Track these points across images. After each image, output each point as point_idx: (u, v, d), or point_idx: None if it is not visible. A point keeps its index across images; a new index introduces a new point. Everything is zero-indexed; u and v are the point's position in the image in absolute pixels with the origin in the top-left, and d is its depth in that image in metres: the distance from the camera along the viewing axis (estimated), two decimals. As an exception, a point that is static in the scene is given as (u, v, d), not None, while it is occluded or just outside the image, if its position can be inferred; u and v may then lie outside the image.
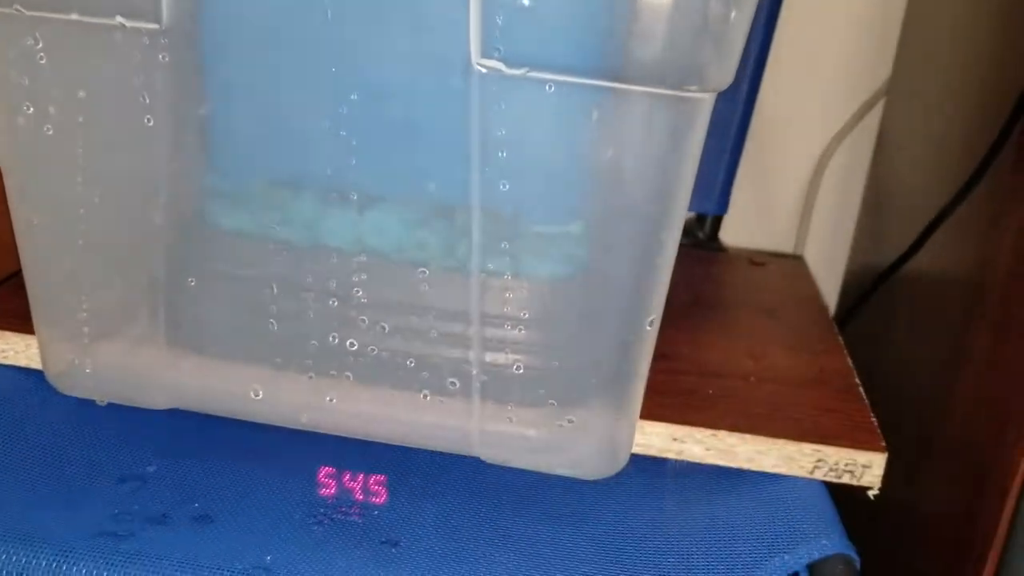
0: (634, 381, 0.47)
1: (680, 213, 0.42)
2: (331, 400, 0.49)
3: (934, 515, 0.66)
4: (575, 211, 0.44)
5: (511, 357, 0.47)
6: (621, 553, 0.50)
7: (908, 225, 0.74)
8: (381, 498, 0.52)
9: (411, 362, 0.48)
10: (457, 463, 0.55)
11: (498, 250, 0.46)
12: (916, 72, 0.86)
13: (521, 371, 0.47)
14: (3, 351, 0.59)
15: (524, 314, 0.47)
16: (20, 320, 0.57)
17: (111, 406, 0.58)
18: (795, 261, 0.83)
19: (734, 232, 0.97)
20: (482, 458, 0.50)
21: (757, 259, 0.80)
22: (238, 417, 0.52)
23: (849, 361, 0.63)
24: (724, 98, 0.85)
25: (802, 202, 0.99)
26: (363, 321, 0.47)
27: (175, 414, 0.58)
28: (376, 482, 0.53)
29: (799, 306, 0.73)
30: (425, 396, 0.48)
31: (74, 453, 0.55)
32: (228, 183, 0.50)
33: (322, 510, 0.52)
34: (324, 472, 0.55)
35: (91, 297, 0.50)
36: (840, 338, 0.67)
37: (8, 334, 0.58)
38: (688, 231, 0.87)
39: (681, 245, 0.85)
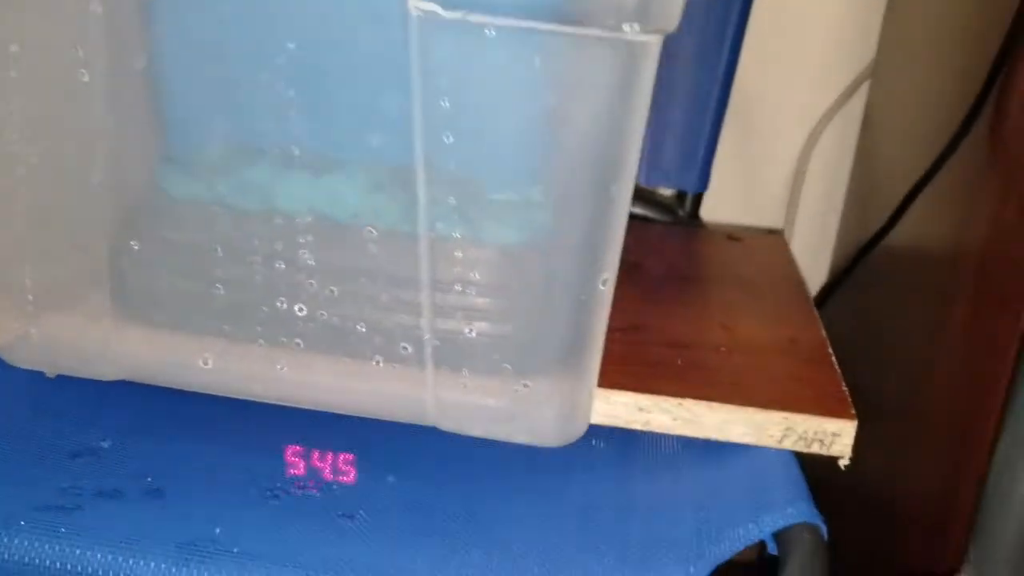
0: (590, 344, 0.46)
1: (631, 165, 0.40)
2: (282, 368, 0.48)
3: (913, 489, 0.65)
4: (521, 166, 0.43)
5: (464, 323, 0.46)
6: (585, 525, 0.49)
7: (893, 202, 0.73)
8: (344, 476, 0.51)
9: (362, 327, 0.46)
10: (420, 437, 0.54)
11: (448, 213, 0.44)
12: (900, 54, 0.85)
13: (474, 336, 0.46)
14: (-45, 327, 0.57)
15: (475, 278, 0.46)
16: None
17: (67, 383, 0.57)
18: (774, 236, 0.81)
19: (721, 215, 0.96)
20: (438, 427, 0.49)
21: (735, 234, 0.79)
22: (189, 388, 0.51)
23: (823, 332, 0.62)
24: (702, 72, 0.84)
25: (790, 185, 0.98)
26: (311, 285, 0.46)
27: (133, 390, 0.57)
28: (334, 457, 0.52)
29: (775, 280, 0.71)
30: (378, 363, 0.47)
31: (26, 429, 0.54)
32: (175, 147, 0.49)
33: (278, 484, 0.51)
34: (281, 447, 0.54)
35: (35, 266, 0.49)
36: (815, 310, 0.65)
37: (-39, 311, 0.57)
38: (668, 209, 0.86)
39: (661, 223, 0.85)
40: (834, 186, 0.97)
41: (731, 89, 0.85)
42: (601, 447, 0.56)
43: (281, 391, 0.49)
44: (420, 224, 0.44)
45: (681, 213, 0.86)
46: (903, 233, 0.72)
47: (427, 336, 0.45)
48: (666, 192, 0.88)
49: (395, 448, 0.54)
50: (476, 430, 0.48)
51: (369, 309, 0.46)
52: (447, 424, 0.48)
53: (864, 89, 0.94)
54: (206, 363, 0.49)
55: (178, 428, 0.56)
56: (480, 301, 0.46)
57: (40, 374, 0.56)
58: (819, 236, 0.97)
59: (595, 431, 0.54)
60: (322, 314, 0.46)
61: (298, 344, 0.47)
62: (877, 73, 0.91)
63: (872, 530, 0.69)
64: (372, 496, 0.50)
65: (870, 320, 0.78)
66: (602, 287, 0.43)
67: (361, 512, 0.49)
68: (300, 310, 0.46)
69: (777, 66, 0.94)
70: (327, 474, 0.51)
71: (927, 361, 0.65)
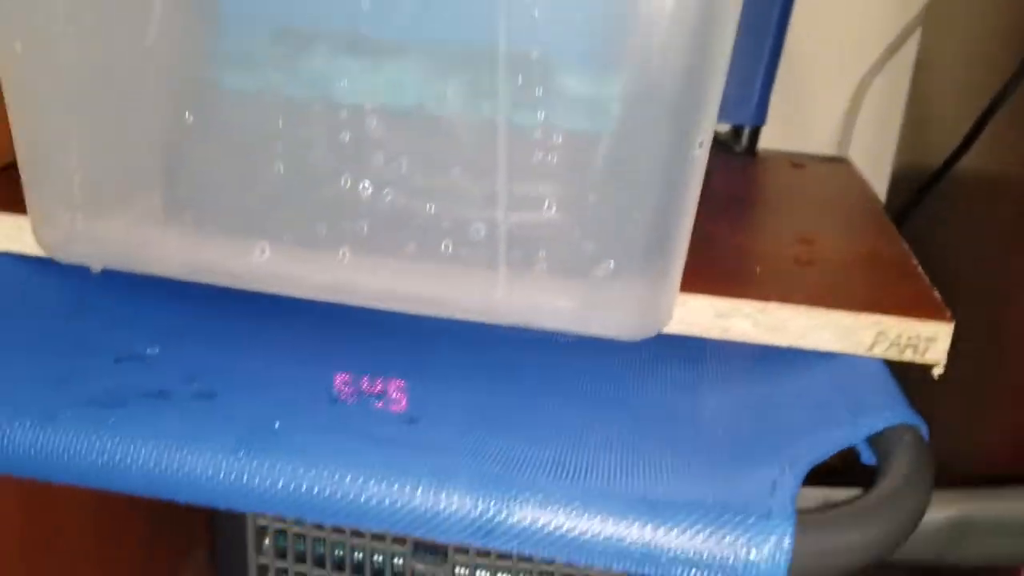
0: (679, 223, 0.42)
1: (736, 4, 0.37)
2: (344, 257, 0.45)
3: (990, 440, 0.61)
4: (609, 29, 0.39)
5: (540, 207, 0.43)
6: (663, 430, 0.46)
7: (953, 137, 0.69)
8: (396, 404, 0.48)
9: (431, 207, 0.43)
10: (486, 344, 0.51)
11: (527, 97, 0.41)
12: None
13: (552, 218, 0.42)
14: (-6, 235, 0.55)
15: (553, 161, 0.42)
16: (13, 205, 0.53)
17: (112, 289, 0.54)
18: (839, 162, 0.78)
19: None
20: (510, 322, 0.46)
21: (798, 161, 0.75)
22: (244, 284, 0.47)
23: (905, 246, 0.58)
24: (759, 5, 0.81)
25: (840, 127, 0.95)
26: (378, 159, 0.43)
27: (179, 298, 0.54)
28: (384, 383, 0.49)
29: (848, 199, 0.68)
30: (447, 247, 0.44)
31: (67, 333, 0.51)
32: (229, 36, 0.46)
33: (335, 392, 0.48)
34: (336, 358, 0.51)
35: (83, 159, 0.46)
36: (893, 226, 0.62)
37: None
38: (724, 144, 0.82)
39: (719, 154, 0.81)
40: (887, 125, 0.94)
41: (789, 19, 0.82)
42: (672, 358, 0.52)
43: (342, 283, 0.45)
44: (499, 104, 0.41)
45: (737, 149, 0.83)
46: (971, 161, 0.69)
47: (501, 218, 0.42)
48: (721, 129, 0.85)
49: (461, 353, 0.51)
50: (550, 323, 0.44)
51: (440, 187, 0.43)
52: (519, 317, 0.45)
53: (916, 36, 0.91)
54: (263, 252, 0.45)
55: (227, 338, 0.53)
56: (557, 185, 0.43)
57: (83, 280, 0.53)
58: (873, 173, 0.94)
59: (667, 341, 0.51)
60: (388, 193, 0.43)
61: (362, 229, 0.44)
62: (929, 19, 0.88)
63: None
64: (436, 402, 0.46)
65: (934, 256, 0.75)
66: (698, 151, 0.39)
67: (425, 416, 0.46)
68: (365, 188, 0.43)
69: (826, 15, 0.92)
70: (388, 385, 0.48)
71: (1006, 290, 0.62)
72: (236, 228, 0.45)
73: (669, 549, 0.37)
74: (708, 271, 0.51)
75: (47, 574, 0.71)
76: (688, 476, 0.42)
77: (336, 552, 0.65)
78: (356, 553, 0.65)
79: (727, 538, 0.37)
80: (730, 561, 0.37)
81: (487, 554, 0.61)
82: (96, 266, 0.49)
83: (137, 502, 0.83)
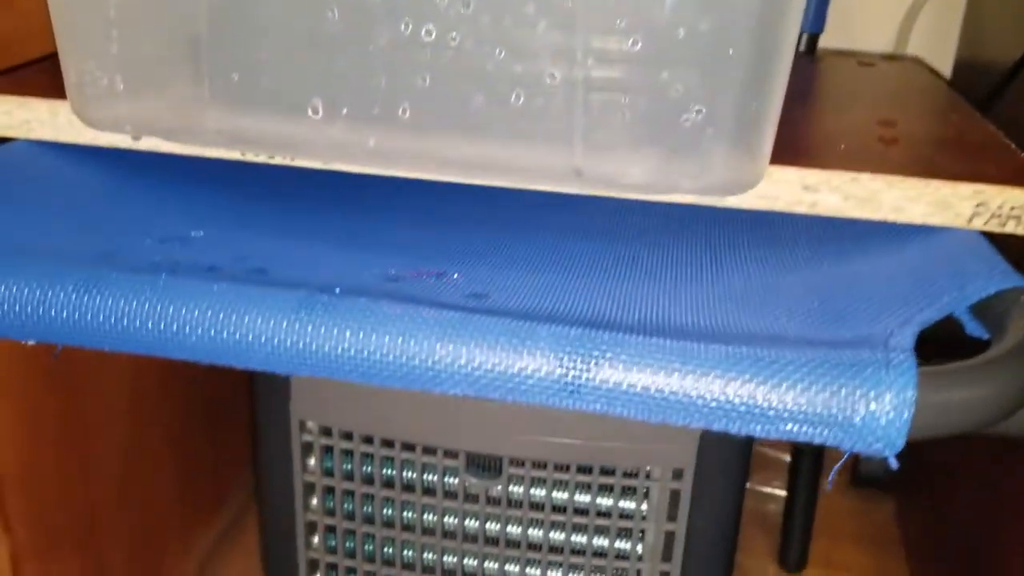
0: (777, 59, 0.38)
1: None
2: (404, 112, 0.41)
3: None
4: None
5: (624, 43, 0.39)
6: (757, 303, 0.42)
7: (1013, 48, 0.65)
8: (466, 279, 0.44)
9: (501, 52, 0.39)
10: (554, 219, 0.48)
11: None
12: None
13: (638, 49, 0.38)
14: (28, 121, 0.51)
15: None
16: (49, 91, 0.50)
17: (151, 182, 0.51)
18: (909, 60, 0.74)
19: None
20: (588, 188, 0.42)
21: (865, 60, 0.71)
22: (295, 151, 0.44)
23: (993, 127, 0.54)
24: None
25: (894, 43, 0.91)
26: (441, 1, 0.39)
27: (220, 186, 0.51)
28: (439, 272, 0.45)
29: (923, 89, 0.64)
30: (518, 98, 0.40)
31: (109, 221, 0.48)
32: None
33: (393, 271, 0.44)
34: (396, 241, 0.47)
35: (121, 8, 0.43)
36: (976, 111, 0.58)
37: (33, 100, 0.51)
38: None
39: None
40: (943, 37, 0.91)
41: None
42: (756, 239, 0.49)
43: (402, 148, 0.42)
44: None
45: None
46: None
47: (580, 58, 0.38)
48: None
49: (524, 243, 0.47)
50: (633, 182, 0.41)
51: (510, 31, 0.39)
52: (598, 179, 0.41)
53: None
54: (316, 113, 0.42)
55: (273, 223, 0.50)
56: (644, 20, 0.39)
57: (120, 168, 0.50)
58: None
59: (749, 222, 0.48)
60: (454, 37, 0.39)
61: (424, 81, 0.40)
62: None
63: None
64: (503, 283, 0.43)
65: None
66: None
67: (494, 292, 0.42)
68: (428, 34, 0.39)
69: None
70: (438, 274, 0.44)
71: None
72: (287, 87, 0.42)
73: (778, 404, 0.34)
74: (790, 147, 0.48)
75: (87, 482, 0.68)
76: (790, 339, 0.38)
77: (385, 470, 0.62)
78: (406, 471, 0.61)
79: (843, 391, 0.34)
80: (846, 414, 0.33)
81: (543, 466, 0.58)
82: (135, 136, 0.45)
83: (182, 423, 0.80)
